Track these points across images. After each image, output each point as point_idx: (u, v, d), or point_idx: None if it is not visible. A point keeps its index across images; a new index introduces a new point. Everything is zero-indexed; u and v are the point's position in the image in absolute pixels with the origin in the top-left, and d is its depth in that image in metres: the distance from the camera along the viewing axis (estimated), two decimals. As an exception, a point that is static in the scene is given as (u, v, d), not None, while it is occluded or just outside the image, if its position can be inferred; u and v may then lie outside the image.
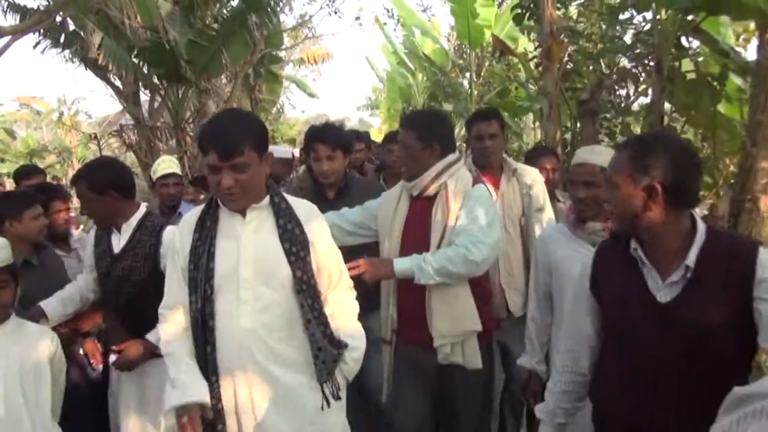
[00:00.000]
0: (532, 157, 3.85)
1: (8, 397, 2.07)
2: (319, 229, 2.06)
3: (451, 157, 2.57)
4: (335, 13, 10.60)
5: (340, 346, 2.06)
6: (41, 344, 2.23)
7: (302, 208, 2.05)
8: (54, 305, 2.62)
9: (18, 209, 2.73)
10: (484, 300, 2.57)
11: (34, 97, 23.89)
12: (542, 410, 1.97)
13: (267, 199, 1.98)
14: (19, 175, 3.91)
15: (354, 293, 2.20)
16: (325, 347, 1.98)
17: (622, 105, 6.00)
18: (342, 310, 2.12)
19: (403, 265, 2.37)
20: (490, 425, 3.03)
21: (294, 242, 1.95)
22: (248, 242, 1.94)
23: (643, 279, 1.67)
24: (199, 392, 1.89)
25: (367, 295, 2.41)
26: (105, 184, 2.48)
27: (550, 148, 4.42)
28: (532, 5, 5.76)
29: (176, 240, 2.04)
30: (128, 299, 2.54)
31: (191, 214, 2.06)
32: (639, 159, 1.60)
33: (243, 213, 1.96)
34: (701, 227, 1.63)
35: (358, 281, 2.28)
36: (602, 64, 6.21)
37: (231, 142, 1.82)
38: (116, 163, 2.81)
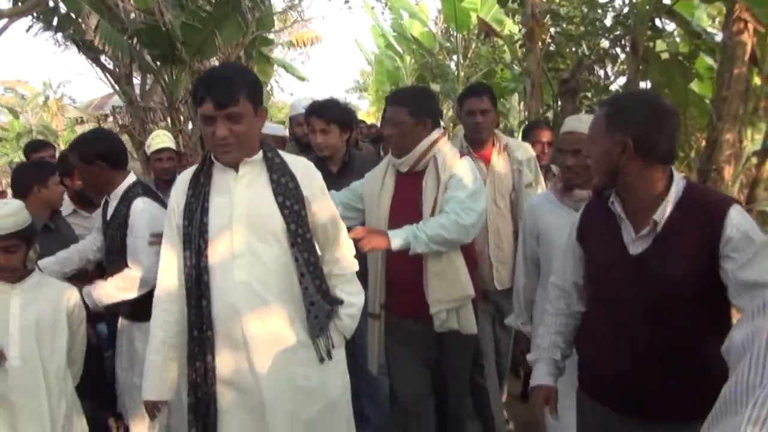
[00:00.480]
0: (529, 130, 3.93)
1: (24, 348, 2.22)
2: (315, 185, 2.03)
3: (437, 131, 2.62)
4: (324, -5, 10.60)
5: (334, 302, 2.06)
6: (59, 299, 2.36)
7: (299, 164, 2.03)
8: (50, 264, 2.72)
9: (45, 176, 2.90)
10: (471, 267, 2.61)
11: (20, 81, 23.69)
12: (536, 352, 1.98)
13: (260, 153, 1.97)
14: (31, 148, 4.09)
15: (353, 251, 2.20)
16: (318, 302, 1.98)
17: (602, 84, 6.24)
18: (339, 268, 2.12)
19: (398, 236, 2.37)
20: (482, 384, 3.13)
21: (288, 196, 1.93)
22: (241, 197, 1.93)
23: (619, 233, 1.70)
24: (160, 393, 2.03)
25: (363, 264, 2.42)
26: (94, 154, 2.57)
27: (547, 122, 4.56)
28: (516, -12, 5.96)
29: (172, 198, 2.04)
30: (114, 265, 2.65)
31: (186, 172, 2.06)
32: (614, 115, 1.65)
33: (236, 168, 1.95)
34: (678, 183, 1.64)
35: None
36: (584, 45, 6.45)
37: (226, 90, 1.81)
38: (107, 134, 2.89)
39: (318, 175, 2.07)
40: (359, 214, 2.74)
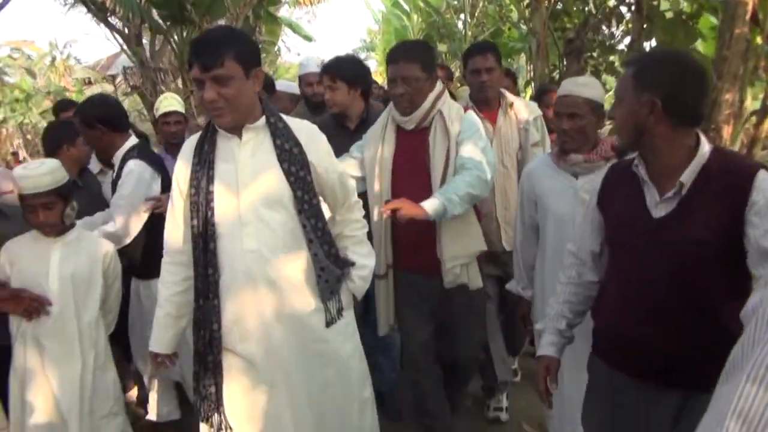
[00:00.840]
0: (542, 93, 3.92)
1: (62, 297, 2.38)
2: (320, 149, 2.01)
3: (440, 85, 2.58)
4: (331, -47, 10.49)
5: (345, 265, 2.07)
6: (96, 253, 2.51)
7: (302, 129, 2.00)
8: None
9: (73, 136, 3.03)
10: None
11: (25, 41, 23.56)
12: (543, 321, 1.99)
13: (263, 119, 1.94)
14: (60, 108, 4.23)
15: (362, 212, 2.20)
16: (327, 267, 1.98)
17: (608, 44, 6.25)
18: (350, 230, 2.13)
19: (432, 204, 2.31)
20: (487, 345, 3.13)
21: (293, 162, 1.91)
22: (246, 164, 1.92)
23: (643, 196, 1.67)
24: (161, 346, 2.11)
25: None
26: (93, 118, 2.76)
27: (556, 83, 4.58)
28: (523, -54, 5.94)
29: (177, 165, 2.04)
30: None
31: (191, 140, 2.05)
32: (642, 74, 1.60)
33: (239, 134, 1.93)
34: (705, 147, 1.60)
35: None
36: (590, 3, 6.44)
37: (211, 52, 1.78)
38: (106, 99, 3.05)
39: (323, 139, 2.06)
40: (360, 182, 2.69)
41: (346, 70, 2.97)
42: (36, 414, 2.34)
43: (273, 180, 1.91)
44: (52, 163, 2.38)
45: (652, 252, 1.62)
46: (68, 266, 2.40)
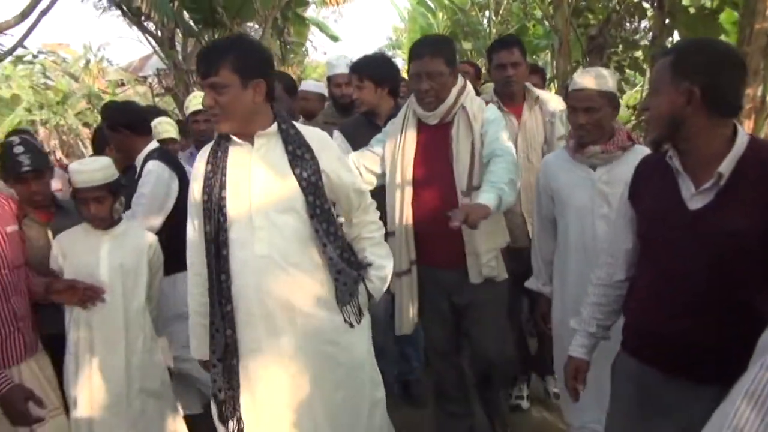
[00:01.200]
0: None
1: (111, 287, 2.52)
2: (332, 156, 2.05)
3: (462, 80, 2.58)
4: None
5: (360, 267, 2.10)
6: (141, 245, 2.65)
7: (314, 136, 2.04)
8: None
9: None
10: None
11: (60, 44, 24.10)
12: (576, 321, 1.99)
13: (275, 126, 1.98)
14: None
15: (378, 214, 2.23)
16: (344, 270, 2.00)
17: (631, 40, 6.24)
18: (367, 232, 2.16)
19: (489, 198, 2.26)
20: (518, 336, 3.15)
21: (304, 167, 1.94)
22: (258, 170, 1.95)
23: (677, 188, 1.63)
24: (199, 353, 2.15)
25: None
26: (117, 122, 2.99)
27: None
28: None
29: (192, 176, 2.08)
30: None
31: (205, 148, 2.08)
32: (679, 63, 1.55)
33: (251, 141, 1.97)
34: (743, 138, 1.56)
35: None
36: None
37: (208, 61, 1.86)
38: (130, 105, 3.28)
39: (334, 146, 2.11)
40: (379, 177, 2.70)
41: (373, 69, 2.99)
42: (86, 398, 2.48)
43: (285, 185, 1.94)
44: (104, 160, 2.54)
45: (689, 245, 1.58)
46: (117, 257, 2.54)
